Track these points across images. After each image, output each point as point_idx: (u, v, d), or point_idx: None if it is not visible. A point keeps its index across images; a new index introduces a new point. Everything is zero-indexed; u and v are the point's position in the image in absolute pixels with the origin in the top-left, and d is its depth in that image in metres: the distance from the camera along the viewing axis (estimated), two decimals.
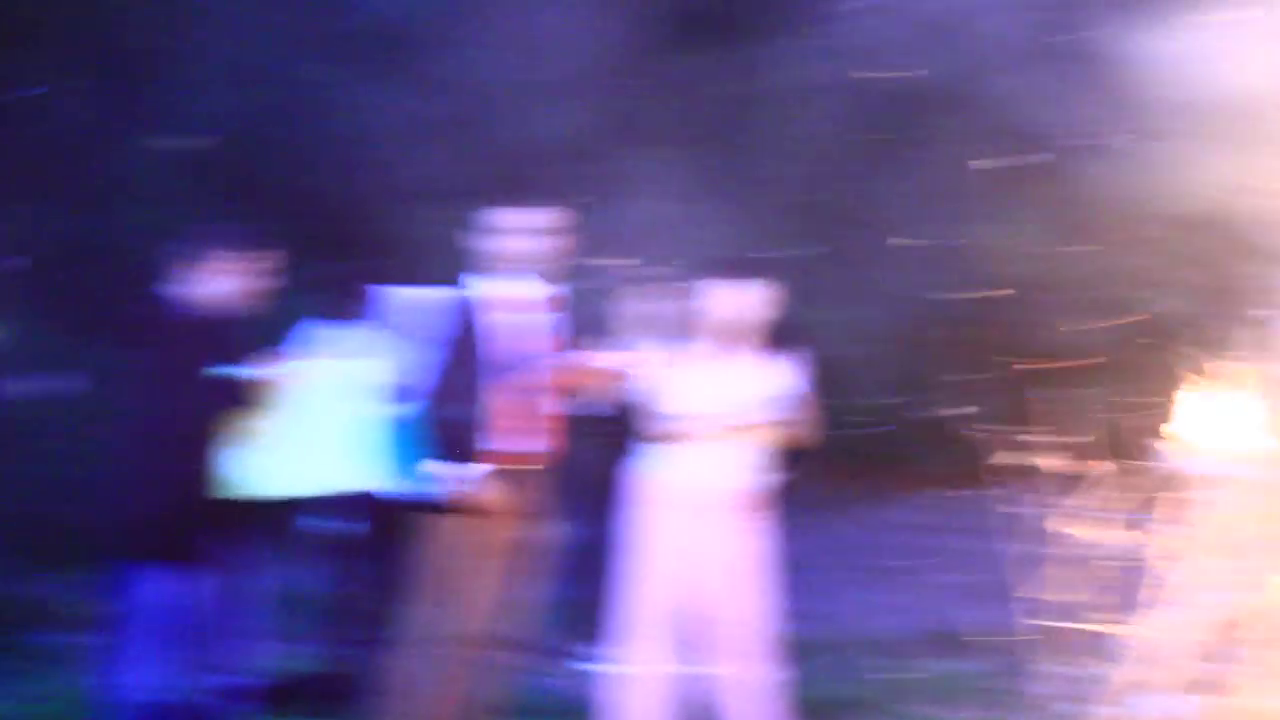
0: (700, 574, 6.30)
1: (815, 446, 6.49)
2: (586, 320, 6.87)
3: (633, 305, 7.98)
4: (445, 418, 5.85)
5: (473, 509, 5.85)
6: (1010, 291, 12.05)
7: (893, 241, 11.83)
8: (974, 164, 12.21)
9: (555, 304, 6.01)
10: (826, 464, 9.19)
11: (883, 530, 10.80)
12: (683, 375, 6.26)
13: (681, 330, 7.84)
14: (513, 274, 5.96)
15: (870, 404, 10.01)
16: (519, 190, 6.15)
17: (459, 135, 12.12)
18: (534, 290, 5.98)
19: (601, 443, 8.03)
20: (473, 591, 5.93)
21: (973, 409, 9.29)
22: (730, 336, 6.32)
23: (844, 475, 11.58)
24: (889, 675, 7.60)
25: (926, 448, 9.97)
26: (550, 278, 6.00)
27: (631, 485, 6.38)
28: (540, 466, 5.97)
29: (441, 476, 5.87)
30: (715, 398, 6.25)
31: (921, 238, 11.85)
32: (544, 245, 5.94)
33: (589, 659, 8.08)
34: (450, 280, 6.07)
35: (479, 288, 6.00)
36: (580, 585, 8.22)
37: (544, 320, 6.00)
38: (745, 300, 6.30)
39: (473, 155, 11.80)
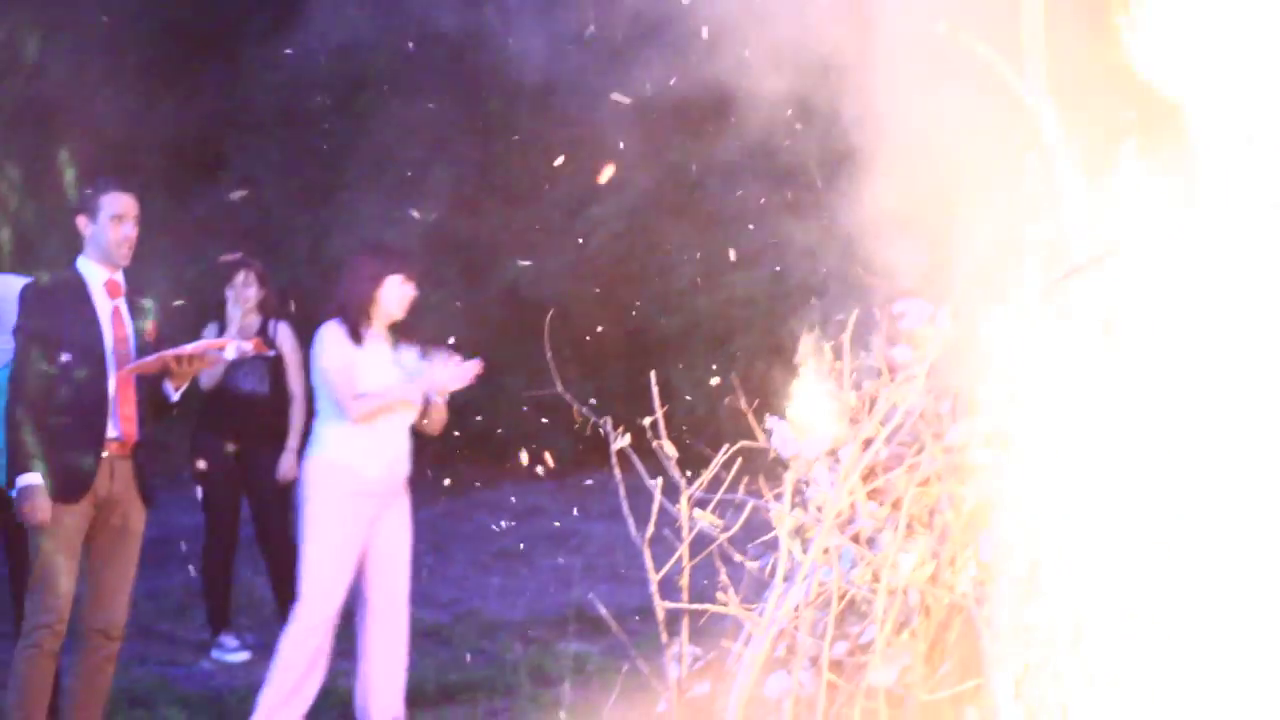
0: (358, 559, 6.33)
1: (445, 432, 6.57)
2: (182, 307, 6.81)
3: (230, 292, 7.99)
4: (33, 406, 5.72)
5: (71, 495, 5.73)
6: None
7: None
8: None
9: (127, 290, 5.94)
10: (456, 450, 9.28)
11: (510, 515, 10.92)
12: (340, 360, 6.28)
13: (267, 315, 7.88)
14: (98, 261, 5.88)
15: (494, 389, 10.09)
16: (104, 178, 6.05)
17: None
18: (120, 277, 5.91)
19: (213, 427, 7.97)
20: (77, 580, 5.79)
21: (593, 392, 9.46)
22: (379, 324, 6.38)
23: (471, 460, 11.68)
24: (524, 658, 7.71)
25: (552, 431, 10.10)
26: (130, 265, 5.95)
27: (293, 471, 6.37)
28: (137, 452, 5.87)
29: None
30: (370, 382, 6.29)
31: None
32: (128, 234, 5.88)
33: (234, 648, 8.02)
34: (35, 267, 5.95)
35: (67, 274, 5.90)
36: (219, 573, 8.14)
37: (131, 306, 5.94)
38: (400, 290, 6.37)
39: (56, 143, 11.51)
